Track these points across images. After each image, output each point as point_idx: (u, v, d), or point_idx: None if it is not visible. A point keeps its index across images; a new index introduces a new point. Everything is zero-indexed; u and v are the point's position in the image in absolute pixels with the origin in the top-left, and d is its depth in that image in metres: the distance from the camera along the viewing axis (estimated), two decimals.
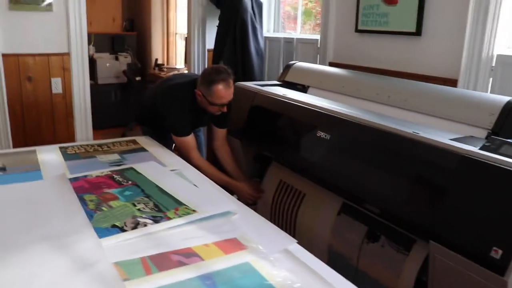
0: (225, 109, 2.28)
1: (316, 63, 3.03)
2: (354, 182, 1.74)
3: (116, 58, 6.07)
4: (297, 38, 3.26)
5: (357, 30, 2.78)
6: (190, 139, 2.34)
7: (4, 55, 2.99)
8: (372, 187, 1.66)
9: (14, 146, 3.09)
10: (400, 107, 2.05)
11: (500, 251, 1.23)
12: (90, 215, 1.46)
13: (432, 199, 1.48)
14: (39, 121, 3.18)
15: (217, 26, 3.49)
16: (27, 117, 3.15)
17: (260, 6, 3.37)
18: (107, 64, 5.93)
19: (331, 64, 2.94)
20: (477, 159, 1.38)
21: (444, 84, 2.24)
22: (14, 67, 3.05)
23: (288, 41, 3.32)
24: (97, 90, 5.80)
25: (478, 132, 1.77)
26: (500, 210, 1.28)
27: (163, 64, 6.43)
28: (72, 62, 3.20)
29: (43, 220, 1.44)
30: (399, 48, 2.56)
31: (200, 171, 1.98)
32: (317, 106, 1.99)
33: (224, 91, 2.21)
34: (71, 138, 3.29)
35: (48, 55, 3.14)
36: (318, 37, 3.10)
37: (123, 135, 5.72)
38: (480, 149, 1.45)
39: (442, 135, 1.62)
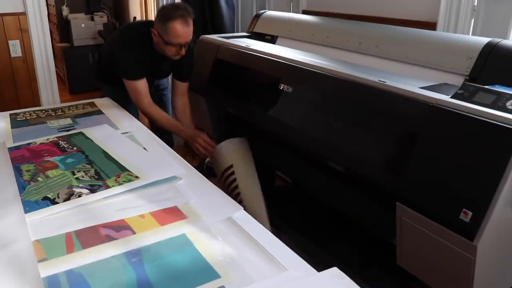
0: (183, 52, 2.07)
1: (289, 12, 2.84)
2: (316, 138, 1.59)
3: (92, 18, 5.80)
4: None
5: None
6: (141, 84, 2.15)
7: None
8: (335, 143, 1.51)
9: None
10: (372, 54, 1.89)
11: (470, 214, 1.10)
12: (22, 187, 1.32)
13: (398, 155, 1.34)
14: (0, 87, 3.01)
15: None
16: None
17: None
18: (82, 25, 5.66)
19: (304, 12, 2.74)
20: (446, 108, 1.23)
21: (423, 28, 2.07)
22: None
23: None
24: (72, 53, 5.57)
25: (454, 79, 1.61)
26: (471, 167, 1.13)
27: None
28: (30, 22, 2.99)
29: None
30: None
31: (152, 119, 1.92)
32: (278, 56, 1.83)
33: (181, 29, 2.00)
34: (37, 104, 3.12)
35: (1, 15, 2.93)
36: None
37: (103, 97, 5.54)
38: (451, 97, 1.30)
39: (412, 83, 1.46)
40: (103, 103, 2.23)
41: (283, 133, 1.75)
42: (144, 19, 6.25)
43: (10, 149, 1.62)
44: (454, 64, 1.63)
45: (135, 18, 6.29)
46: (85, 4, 5.94)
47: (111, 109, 2.13)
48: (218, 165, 2.08)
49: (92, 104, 2.21)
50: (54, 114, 2.07)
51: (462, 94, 1.31)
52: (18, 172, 1.43)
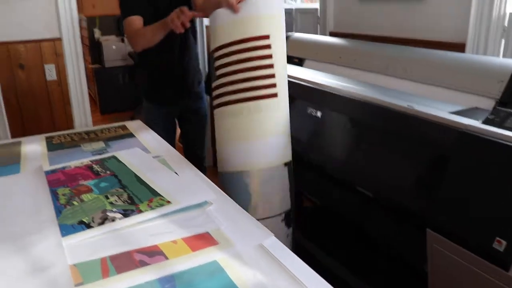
0: None
1: (316, 33, 2.87)
2: (344, 163, 1.60)
3: (122, 40, 5.97)
4: (296, 8, 3.09)
5: None
6: (134, 18, 2.18)
7: None
8: (364, 167, 1.52)
9: (13, 136, 3.04)
10: (400, 77, 1.89)
11: (504, 243, 1.08)
12: (59, 210, 1.36)
13: (428, 181, 1.33)
14: (36, 110, 3.12)
15: None
16: (23, 106, 3.08)
17: None
18: (113, 47, 5.83)
19: (332, 34, 2.77)
20: (476, 135, 1.22)
21: (451, 49, 2.06)
22: (4, 55, 2.98)
23: (287, 11, 3.15)
24: (104, 73, 5.74)
25: (485, 102, 1.59)
26: (504, 195, 1.12)
27: None
28: (65, 47, 3.11)
29: (10, 217, 1.35)
30: (402, 13, 2.38)
31: (146, 38, 2.01)
32: (307, 80, 1.85)
33: None
34: (70, 126, 3.22)
35: (39, 41, 3.05)
36: (317, 6, 2.92)
37: (132, 119, 5.65)
38: (482, 122, 1.29)
39: (442, 108, 1.46)
40: (135, 126, 2.29)
41: (312, 156, 1.77)
42: None
43: (46, 172, 1.68)
44: (484, 87, 1.62)
45: None
46: (115, 27, 6.13)
47: (143, 132, 2.18)
48: (240, 27, 1.64)
49: (124, 127, 2.27)
50: (87, 137, 2.13)
51: (493, 119, 1.30)
52: (54, 195, 1.48)
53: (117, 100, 5.55)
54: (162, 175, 1.60)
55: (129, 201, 1.41)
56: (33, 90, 3.08)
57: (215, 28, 1.71)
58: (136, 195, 1.45)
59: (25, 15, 2.97)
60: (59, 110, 3.19)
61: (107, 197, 1.44)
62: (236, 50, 1.63)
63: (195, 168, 1.68)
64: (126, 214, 1.32)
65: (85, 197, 1.45)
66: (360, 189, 1.58)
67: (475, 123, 1.27)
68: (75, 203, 1.41)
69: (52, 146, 2.03)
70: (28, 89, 3.06)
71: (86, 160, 1.79)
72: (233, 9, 1.60)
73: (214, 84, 1.75)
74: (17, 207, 1.43)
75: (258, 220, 1.42)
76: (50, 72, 3.11)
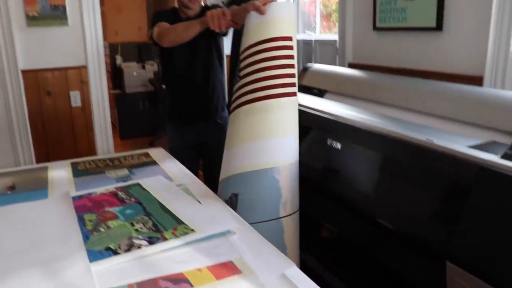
0: (196, 5, 2.35)
1: (335, 64, 2.93)
2: (364, 195, 1.62)
3: (143, 67, 6.12)
4: (315, 40, 3.16)
5: (375, 28, 2.66)
6: (164, 23, 2.33)
7: (23, 71, 3.04)
8: (384, 200, 1.54)
9: (37, 160, 3.13)
10: (418, 111, 1.93)
11: None
12: (86, 236, 1.41)
13: (447, 215, 1.35)
14: (60, 135, 3.21)
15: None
16: (48, 131, 3.18)
17: None
18: (134, 73, 5.97)
19: (351, 65, 2.82)
20: (495, 170, 1.24)
21: (468, 82, 2.10)
22: (33, 82, 3.08)
23: (307, 43, 3.23)
24: (124, 99, 5.87)
25: (503, 136, 1.62)
26: None
27: None
28: (90, 74, 3.21)
29: (39, 242, 1.40)
30: (419, 45, 2.43)
31: (176, 32, 2.13)
32: (327, 113, 1.89)
33: None
34: (92, 151, 3.30)
35: (65, 69, 3.16)
36: (336, 37, 2.99)
37: (151, 144, 5.76)
38: (501, 157, 1.31)
39: (460, 142, 1.49)
40: (157, 153, 2.35)
41: (332, 186, 1.80)
42: None
43: (73, 198, 1.73)
44: (502, 121, 1.64)
45: None
46: (137, 54, 6.29)
47: (165, 160, 2.23)
48: (266, 27, 1.70)
49: (147, 155, 2.33)
50: (111, 164, 2.19)
51: (511, 154, 1.32)
52: (81, 221, 1.52)
53: (136, 126, 5.66)
54: (185, 204, 1.64)
55: (154, 229, 1.45)
56: (58, 116, 3.18)
57: (243, 33, 1.80)
58: (161, 223, 1.49)
59: (53, 44, 3.09)
60: (82, 136, 3.28)
61: (132, 224, 1.49)
62: (262, 49, 1.69)
63: (218, 198, 1.73)
64: (151, 241, 1.36)
65: (111, 223, 1.50)
66: (380, 221, 1.60)
67: (494, 158, 1.30)
68: (101, 229, 1.46)
69: (77, 172, 2.10)
70: (53, 114, 3.16)
71: (111, 187, 1.84)
72: (260, 11, 1.68)
73: (237, 85, 1.79)
74: (46, 232, 1.47)
75: (287, 216, 1.62)
76: (75, 99, 3.21)
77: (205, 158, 2.69)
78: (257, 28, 1.73)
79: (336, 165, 1.78)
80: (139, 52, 6.28)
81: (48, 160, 2.95)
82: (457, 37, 2.24)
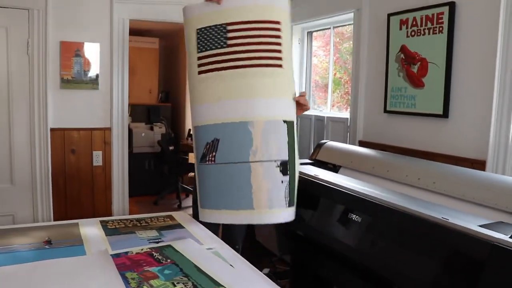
0: None
1: (346, 141, 3.14)
2: (383, 266, 1.77)
3: (151, 128, 6.34)
4: (327, 117, 3.39)
5: (385, 111, 2.89)
6: None
7: (52, 129, 3.21)
8: (400, 274, 1.69)
9: (55, 217, 3.23)
10: (430, 190, 2.11)
11: None
12: None
13: None
14: (79, 193, 3.34)
15: None
16: (68, 188, 3.32)
17: None
18: (143, 134, 6.18)
19: (361, 143, 3.04)
20: (506, 248, 1.41)
21: (472, 166, 2.30)
22: (60, 140, 3.26)
23: (319, 119, 3.46)
24: (131, 158, 6.00)
25: (508, 218, 1.80)
26: None
27: None
28: (113, 136, 3.39)
29: None
30: (427, 129, 2.65)
31: None
32: (348, 188, 2.07)
33: None
34: (108, 210, 3.42)
35: (91, 129, 3.35)
36: (348, 115, 3.22)
37: (155, 204, 5.88)
38: (510, 237, 1.48)
39: (470, 221, 1.66)
40: (180, 217, 2.48)
41: (351, 257, 1.94)
42: None
43: (112, 256, 1.85)
44: (507, 203, 1.83)
45: (189, 130, 6.82)
46: (146, 115, 6.53)
47: (190, 223, 2.36)
48: (251, 11, 2.08)
49: (171, 217, 2.46)
50: (139, 225, 2.32)
51: None
52: (124, 279, 1.64)
53: (141, 185, 5.78)
54: (219, 267, 1.77)
55: None
56: (80, 173, 3.33)
57: (228, 9, 2.11)
58: (200, 284, 1.61)
59: (82, 105, 3.30)
60: (101, 194, 3.41)
61: (174, 285, 1.61)
62: (250, 28, 2.07)
63: (247, 262, 1.86)
64: None
65: (154, 282, 1.62)
66: None
67: (505, 237, 1.46)
68: (145, 287, 1.58)
69: (108, 230, 2.22)
70: (75, 172, 3.31)
71: (145, 247, 1.96)
72: None
73: (203, 54, 2.15)
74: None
75: (256, 162, 2.01)
76: (97, 158, 3.37)
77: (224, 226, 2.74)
78: (248, 10, 2.10)
79: (357, 236, 1.93)
80: (148, 114, 6.52)
81: (67, 216, 3.07)
82: (462, 124, 2.47)
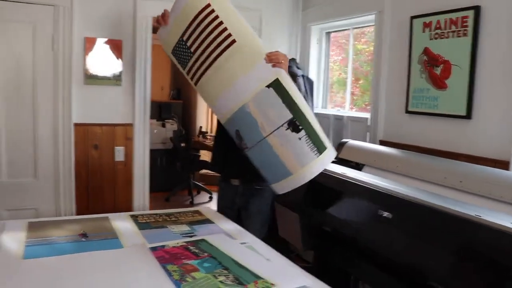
0: None
1: (365, 140, 3.18)
2: (414, 263, 1.82)
3: (163, 125, 6.38)
4: (347, 116, 3.44)
5: (407, 111, 2.94)
6: None
7: (75, 125, 3.26)
8: (434, 269, 1.74)
9: (77, 211, 3.28)
10: (456, 189, 2.16)
11: None
12: (177, 285, 1.57)
13: (496, 283, 1.55)
14: (101, 188, 3.39)
15: None
16: (91, 183, 3.36)
17: (311, 84, 3.59)
18: (155, 131, 6.22)
19: (382, 142, 3.08)
20: None
21: (495, 166, 2.35)
22: (83, 135, 3.30)
23: (338, 118, 3.51)
24: None
25: None
26: None
27: (206, 132, 6.70)
28: (135, 132, 3.44)
29: None
30: (449, 130, 2.69)
31: None
32: (378, 185, 2.12)
33: None
34: (129, 205, 3.46)
35: (114, 125, 3.39)
36: (367, 115, 3.27)
37: (167, 200, 5.93)
38: None
39: (503, 218, 1.71)
40: (207, 212, 2.53)
41: (380, 253, 1.99)
42: (210, 129, 6.83)
43: (150, 249, 1.90)
44: None
45: (201, 127, 6.87)
46: (157, 112, 6.57)
47: (219, 219, 2.41)
48: (185, 14, 2.25)
49: (199, 213, 2.52)
50: (169, 219, 2.37)
51: None
52: (166, 271, 1.69)
53: (153, 181, 5.81)
54: (256, 260, 1.82)
55: (236, 282, 1.62)
56: (102, 169, 3.37)
57: (174, 24, 2.32)
58: (241, 276, 1.66)
59: (105, 101, 3.34)
60: (122, 190, 3.46)
61: (215, 277, 1.66)
62: (194, 28, 2.23)
63: (281, 255, 1.91)
64: None
65: (195, 275, 1.67)
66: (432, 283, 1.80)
67: None
68: (188, 279, 1.63)
69: (140, 224, 2.27)
70: (98, 167, 3.36)
71: (180, 241, 2.01)
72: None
73: (186, 69, 2.39)
74: (135, 280, 1.64)
75: (268, 135, 2.09)
76: (119, 154, 3.42)
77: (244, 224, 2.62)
78: (175, 26, 2.31)
79: (387, 233, 1.98)
80: (160, 110, 6.56)
81: (88, 211, 3.11)
82: (485, 125, 2.51)
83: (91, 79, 3.29)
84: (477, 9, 2.45)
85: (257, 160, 2.24)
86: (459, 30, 2.54)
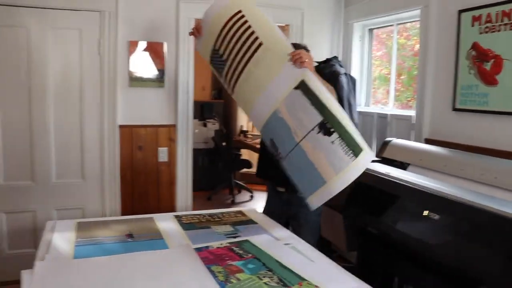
0: None
1: (409, 139, 3.10)
2: (464, 266, 1.76)
3: (205, 125, 6.44)
4: (391, 114, 3.36)
5: (454, 109, 2.84)
6: None
7: (121, 126, 3.33)
8: (484, 272, 1.68)
9: (122, 211, 3.35)
10: (508, 189, 2.07)
11: None
12: (222, 287, 1.58)
13: None
14: (146, 188, 3.45)
15: None
16: (135, 184, 3.43)
17: (354, 82, 3.54)
18: (196, 131, 6.29)
19: (427, 141, 2.99)
20: None
21: None
22: (128, 137, 3.37)
23: (382, 116, 3.44)
24: None
25: None
26: None
27: (247, 131, 6.72)
28: (178, 133, 3.48)
29: None
30: (501, 127, 2.58)
31: None
32: (424, 186, 2.06)
33: None
34: (173, 205, 3.51)
35: (157, 126, 3.45)
36: (411, 113, 3.19)
37: (209, 199, 5.99)
38: None
39: None
40: (251, 212, 2.53)
41: (426, 255, 1.94)
42: (250, 129, 6.85)
43: (195, 250, 1.92)
44: None
45: (241, 127, 6.90)
46: (199, 112, 6.64)
47: (261, 219, 2.41)
48: (218, 20, 2.29)
49: (242, 213, 2.52)
50: (212, 220, 2.38)
51: None
52: (211, 272, 1.70)
53: (195, 180, 5.89)
54: (300, 261, 1.81)
55: (281, 283, 1.61)
56: (146, 169, 3.44)
57: (207, 34, 2.39)
58: (285, 278, 1.65)
59: (149, 103, 3.41)
60: (165, 190, 3.51)
61: (259, 278, 1.65)
62: (224, 35, 2.27)
63: (325, 256, 1.88)
64: None
65: (240, 276, 1.67)
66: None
67: None
68: (233, 281, 1.63)
69: (184, 225, 2.29)
70: (142, 168, 3.42)
71: (224, 242, 2.02)
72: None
73: (222, 78, 2.41)
74: (181, 281, 1.65)
75: (302, 140, 1.99)
76: (163, 155, 3.48)
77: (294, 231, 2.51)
78: (210, 30, 2.35)
79: (432, 235, 1.92)
80: (202, 110, 6.63)
81: (133, 211, 3.18)
82: None
83: (135, 81, 3.35)
84: None
85: (292, 170, 2.13)
86: None
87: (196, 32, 2.43)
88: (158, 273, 1.71)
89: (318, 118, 1.94)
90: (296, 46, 2.29)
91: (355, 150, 1.87)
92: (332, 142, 1.89)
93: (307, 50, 2.38)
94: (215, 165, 6.20)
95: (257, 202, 5.87)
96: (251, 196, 6.23)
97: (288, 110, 2.07)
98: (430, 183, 2.12)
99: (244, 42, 2.20)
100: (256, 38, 2.17)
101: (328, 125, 1.91)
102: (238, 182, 6.32)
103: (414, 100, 3.25)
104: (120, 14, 3.26)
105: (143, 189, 3.45)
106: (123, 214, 3.32)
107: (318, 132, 1.93)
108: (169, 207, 3.45)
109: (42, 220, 3.19)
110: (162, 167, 3.50)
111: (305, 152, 1.99)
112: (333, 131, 1.90)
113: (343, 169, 1.87)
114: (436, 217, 1.92)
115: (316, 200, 2.00)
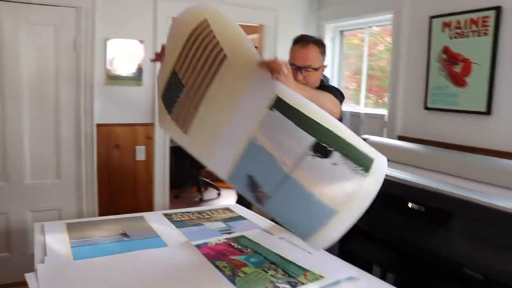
0: (300, 77, 2.14)
1: (382, 136, 3.26)
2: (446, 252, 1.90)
3: None
4: (364, 113, 3.51)
5: (426, 108, 3.02)
6: None
7: (98, 125, 3.30)
8: (467, 257, 1.82)
9: (100, 211, 3.33)
10: (476, 180, 2.24)
11: None
12: (231, 280, 1.63)
13: None
14: (123, 187, 3.44)
15: None
16: (113, 183, 3.40)
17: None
18: None
19: (400, 138, 3.16)
20: None
21: None
22: (105, 136, 3.35)
23: (355, 115, 3.58)
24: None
25: None
26: None
27: None
28: (156, 131, 3.49)
29: (190, 285, 1.62)
30: (468, 126, 2.77)
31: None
32: (399, 178, 2.20)
33: (297, 51, 2.18)
34: (150, 204, 3.52)
35: (134, 125, 3.44)
36: (384, 111, 3.35)
37: (176, 197, 5.97)
38: None
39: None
40: (238, 209, 2.59)
41: (417, 243, 2.07)
42: None
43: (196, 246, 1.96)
44: None
45: None
46: None
47: (249, 215, 2.47)
48: (182, 31, 1.79)
49: (229, 210, 2.58)
50: (202, 217, 2.43)
51: None
52: (216, 267, 1.75)
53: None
54: (299, 254, 1.89)
55: (287, 275, 1.68)
56: (123, 168, 3.42)
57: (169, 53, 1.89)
58: (290, 270, 1.73)
59: (126, 101, 3.39)
60: (143, 189, 3.51)
61: (265, 271, 1.72)
62: (187, 52, 1.78)
63: (321, 249, 1.97)
64: (292, 285, 1.60)
65: (246, 270, 1.73)
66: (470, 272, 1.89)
67: None
68: (241, 274, 1.69)
69: (176, 223, 2.32)
70: (119, 167, 3.41)
71: (221, 238, 2.08)
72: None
73: (176, 110, 1.91)
74: (190, 277, 1.69)
75: (293, 170, 1.52)
76: (140, 153, 3.47)
77: None
78: (171, 44, 1.87)
79: (422, 224, 2.06)
80: None
81: (111, 211, 3.16)
82: (505, 121, 2.60)
83: (112, 79, 3.33)
84: (498, 10, 2.53)
85: (282, 211, 1.68)
86: (480, 30, 2.62)
87: (158, 57, 1.99)
88: (165, 270, 1.72)
89: (309, 139, 1.51)
90: (317, 41, 2.18)
91: (366, 163, 1.49)
92: (333, 163, 1.49)
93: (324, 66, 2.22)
94: (182, 163, 6.18)
95: (225, 199, 5.92)
96: (219, 194, 6.27)
97: (268, 137, 1.62)
98: (406, 176, 2.27)
99: (208, 56, 1.73)
100: (221, 50, 1.70)
101: (324, 144, 1.49)
102: (205, 179, 6.35)
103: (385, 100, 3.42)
104: (98, 11, 3.23)
105: (120, 188, 3.43)
106: (100, 214, 3.29)
107: (313, 156, 1.51)
108: (147, 206, 3.46)
109: (15, 223, 3.12)
110: (140, 166, 3.49)
111: (300, 183, 1.55)
112: (331, 150, 1.48)
113: (353, 191, 1.50)
114: (413, 206, 2.06)
115: (323, 240, 1.58)
